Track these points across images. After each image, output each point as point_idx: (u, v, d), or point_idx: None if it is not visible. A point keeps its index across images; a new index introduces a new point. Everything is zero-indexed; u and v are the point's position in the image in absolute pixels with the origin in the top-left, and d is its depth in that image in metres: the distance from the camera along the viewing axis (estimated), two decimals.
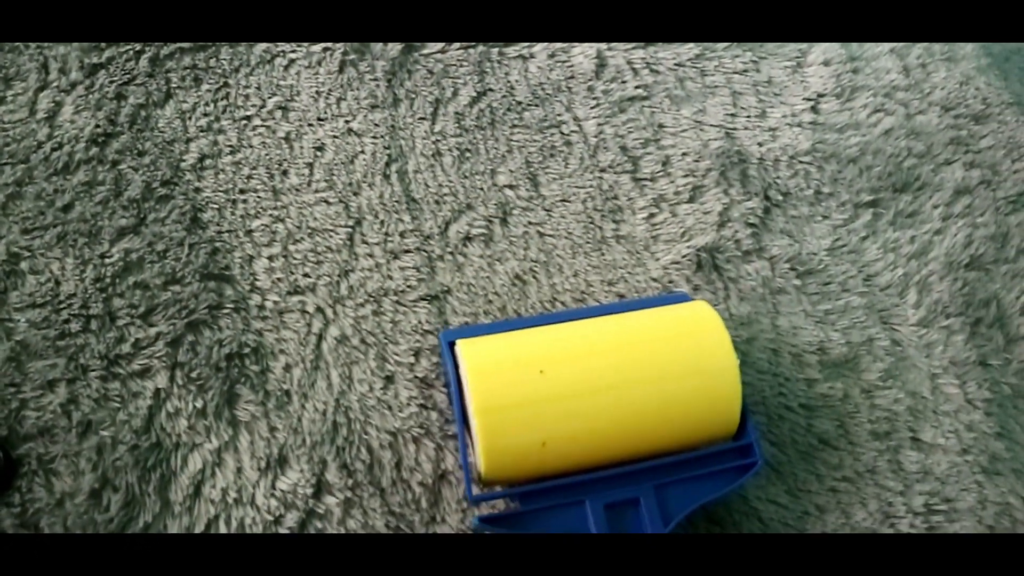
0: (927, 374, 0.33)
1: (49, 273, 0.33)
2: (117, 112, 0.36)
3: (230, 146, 0.36)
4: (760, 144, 0.38)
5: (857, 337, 0.34)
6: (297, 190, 0.35)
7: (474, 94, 0.38)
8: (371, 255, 0.34)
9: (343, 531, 0.29)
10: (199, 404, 0.31)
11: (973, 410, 0.32)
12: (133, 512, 0.29)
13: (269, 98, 0.37)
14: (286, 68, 0.38)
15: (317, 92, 0.37)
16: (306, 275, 0.33)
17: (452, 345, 0.29)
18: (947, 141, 0.38)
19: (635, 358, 0.28)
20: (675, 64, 0.39)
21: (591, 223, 0.35)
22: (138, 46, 0.38)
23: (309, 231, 0.34)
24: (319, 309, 0.33)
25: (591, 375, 0.27)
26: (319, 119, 0.37)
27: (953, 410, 0.32)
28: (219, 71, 0.38)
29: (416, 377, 0.32)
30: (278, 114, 0.37)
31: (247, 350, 0.32)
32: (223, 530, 0.29)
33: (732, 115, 0.38)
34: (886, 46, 0.41)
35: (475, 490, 0.28)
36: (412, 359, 0.32)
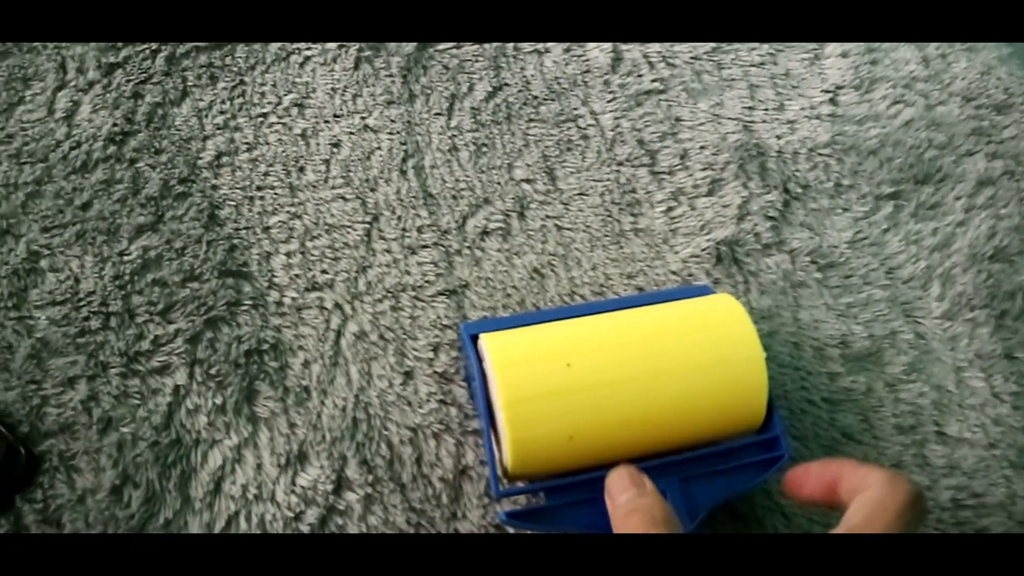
0: (952, 367, 0.33)
1: (69, 271, 0.33)
2: (134, 111, 0.36)
3: (247, 143, 0.36)
4: (779, 137, 0.37)
5: (880, 330, 0.33)
6: (314, 187, 0.35)
7: (490, 89, 0.38)
8: (389, 251, 0.34)
9: (364, 527, 0.29)
10: (218, 401, 0.31)
11: (1000, 404, 0.32)
12: (154, 508, 0.29)
13: (285, 95, 0.37)
14: (301, 65, 0.38)
15: (333, 89, 0.37)
16: (324, 271, 0.33)
17: (474, 339, 0.28)
18: (969, 132, 0.38)
19: (661, 350, 0.27)
20: (691, 57, 0.39)
21: (609, 216, 0.35)
22: (154, 45, 0.38)
23: (326, 227, 0.34)
24: (337, 305, 0.33)
25: (617, 367, 0.27)
26: (335, 116, 0.37)
27: (979, 404, 0.32)
28: (235, 69, 0.38)
29: (435, 372, 0.32)
30: (294, 111, 0.37)
31: (266, 346, 0.32)
32: (243, 526, 0.29)
33: (750, 108, 0.38)
34: None
35: (501, 485, 0.27)
36: (431, 354, 0.32)
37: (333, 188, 0.35)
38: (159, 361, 0.31)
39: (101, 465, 0.30)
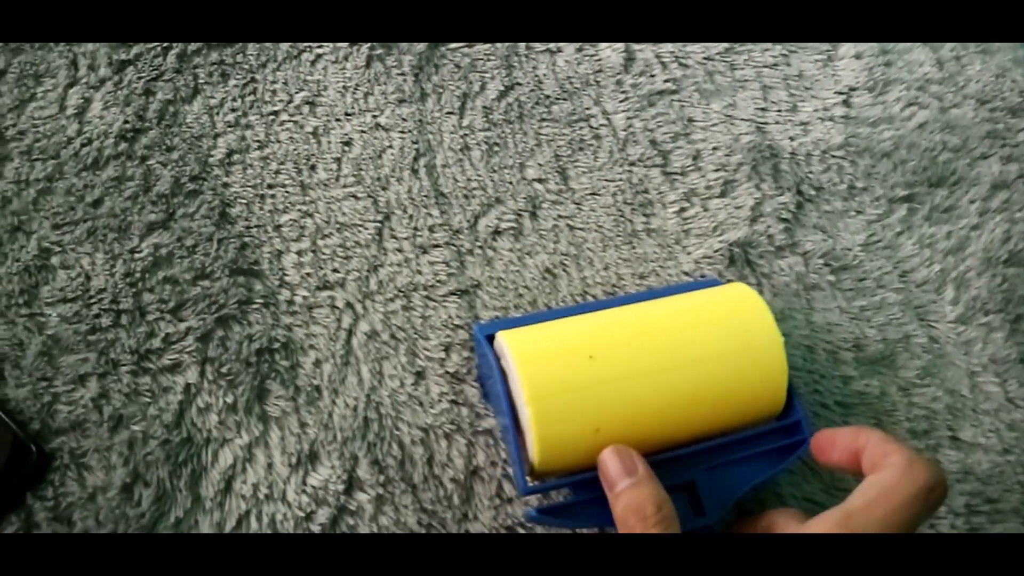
0: (966, 372, 0.32)
1: (80, 268, 0.33)
2: (145, 108, 0.36)
3: (258, 141, 0.36)
4: (792, 138, 0.37)
5: (893, 334, 0.33)
6: (325, 185, 0.35)
7: (502, 88, 0.37)
8: (400, 250, 0.34)
9: (375, 528, 0.29)
10: (229, 399, 0.31)
11: (1014, 409, 0.32)
12: (164, 507, 0.29)
13: (296, 93, 0.37)
14: (313, 63, 0.38)
15: (344, 87, 0.37)
16: (335, 270, 0.33)
17: (490, 339, 0.28)
18: (983, 135, 0.38)
19: (681, 340, 0.27)
20: (704, 58, 0.39)
21: (621, 216, 0.35)
22: (166, 42, 0.38)
23: (338, 226, 0.34)
24: (349, 304, 0.33)
25: (639, 359, 0.27)
26: (346, 114, 0.37)
27: (994, 409, 0.32)
28: (246, 67, 0.38)
29: (447, 372, 0.31)
30: (305, 109, 0.37)
31: (277, 345, 0.32)
32: (254, 526, 0.29)
33: (763, 109, 0.38)
34: None
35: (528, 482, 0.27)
36: (443, 354, 0.32)
37: (344, 187, 0.35)
38: (170, 359, 0.31)
39: (112, 463, 0.29)
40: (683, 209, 0.35)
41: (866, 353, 0.33)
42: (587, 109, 0.37)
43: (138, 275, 0.33)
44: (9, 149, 0.35)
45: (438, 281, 0.33)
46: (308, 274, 0.33)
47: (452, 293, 0.33)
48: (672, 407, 0.27)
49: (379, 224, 0.34)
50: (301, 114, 0.37)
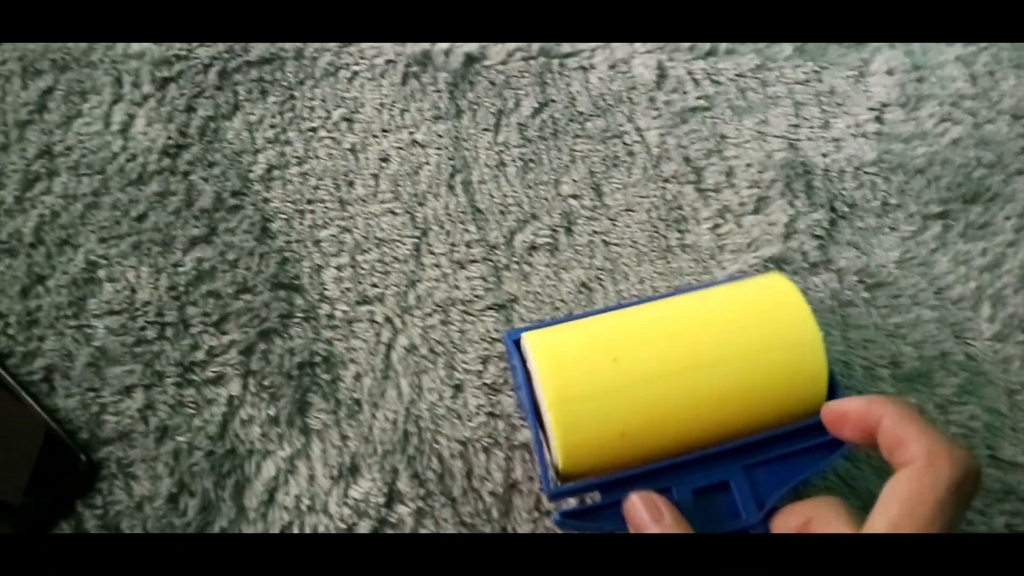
0: (1004, 390, 0.32)
1: (125, 281, 0.34)
2: (188, 124, 0.37)
3: (297, 157, 0.37)
4: (824, 155, 0.37)
5: (930, 351, 0.33)
6: (363, 201, 0.36)
7: (536, 105, 0.38)
8: (438, 265, 0.34)
9: None
10: (272, 412, 0.31)
11: None
12: (210, 517, 0.30)
13: (334, 110, 0.38)
14: (350, 80, 0.39)
15: (381, 104, 0.38)
16: (374, 285, 0.34)
17: (518, 344, 0.28)
18: (1018, 150, 0.38)
19: (712, 337, 0.26)
20: (736, 75, 0.39)
21: (656, 232, 0.35)
22: (207, 60, 0.39)
23: (376, 241, 0.35)
24: (388, 319, 0.33)
25: (668, 358, 0.26)
26: (383, 130, 0.37)
27: None
28: (285, 83, 0.38)
29: (485, 384, 0.32)
30: (343, 126, 0.37)
31: (318, 359, 0.32)
32: None
33: (795, 126, 0.38)
34: (951, 54, 0.40)
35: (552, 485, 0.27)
36: (480, 367, 0.32)
37: (382, 202, 0.36)
38: (213, 371, 0.32)
39: (158, 473, 0.30)
40: (717, 225, 0.36)
41: (903, 370, 0.33)
42: (620, 126, 0.38)
43: (182, 288, 0.33)
44: (57, 164, 0.36)
45: (475, 296, 0.34)
46: (347, 289, 0.34)
47: (489, 307, 0.33)
48: (702, 408, 0.26)
49: (417, 240, 0.35)
50: (339, 130, 0.37)
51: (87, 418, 0.31)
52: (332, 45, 0.39)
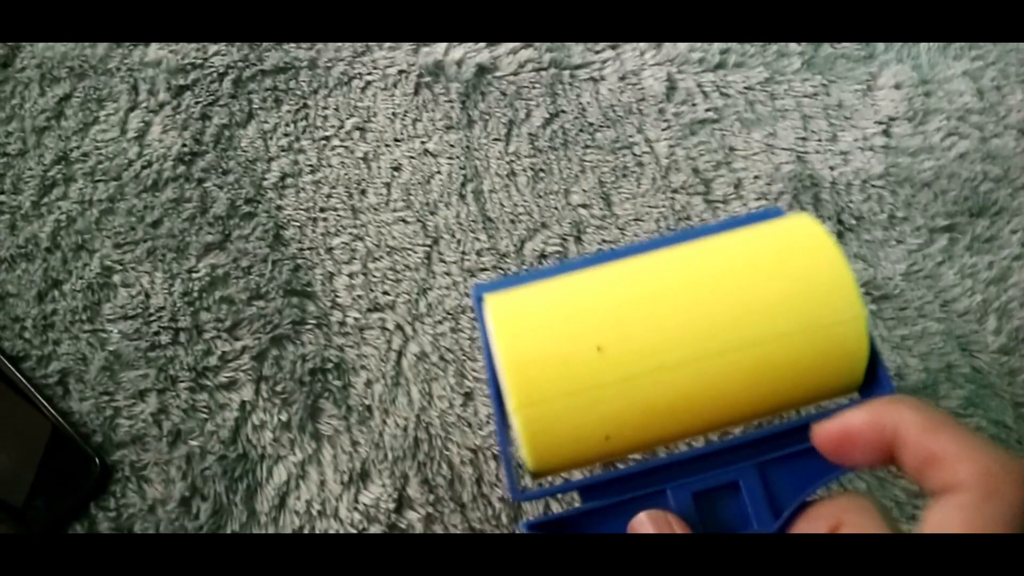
0: (1010, 403, 0.33)
1: (140, 286, 0.34)
2: (202, 132, 0.38)
3: (310, 165, 0.37)
4: (832, 168, 0.38)
5: (936, 363, 0.33)
6: (375, 209, 0.36)
7: (547, 115, 0.38)
8: (448, 273, 0.35)
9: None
10: (284, 417, 0.31)
11: None
12: (221, 521, 0.30)
13: (347, 119, 0.38)
14: (363, 90, 0.39)
15: (393, 113, 0.38)
16: (385, 293, 0.34)
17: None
18: None
19: (724, 316, 0.20)
20: (745, 87, 0.39)
21: None
22: (222, 68, 0.39)
23: (388, 250, 0.35)
24: (399, 326, 0.33)
25: (665, 346, 0.20)
26: (396, 140, 0.38)
27: None
28: (298, 92, 0.39)
29: None
30: (356, 135, 0.38)
31: (329, 365, 0.33)
32: None
33: (803, 139, 0.38)
34: (958, 68, 0.40)
35: (530, 483, 0.23)
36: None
37: (394, 211, 0.36)
38: (226, 377, 0.32)
39: (171, 477, 0.30)
40: None
41: (908, 382, 0.33)
42: (630, 137, 0.38)
43: (196, 294, 0.34)
44: (74, 170, 0.36)
45: None
46: (359, 296, 0.34)
47: None
48: (708, 403, 0.20)
49: (428, 248, 0.35)
50: (352, 139, 0.38)
51: (101, 421, 0.31)
52: (345, 55, 0.39)
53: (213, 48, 0.39)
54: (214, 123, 0.38)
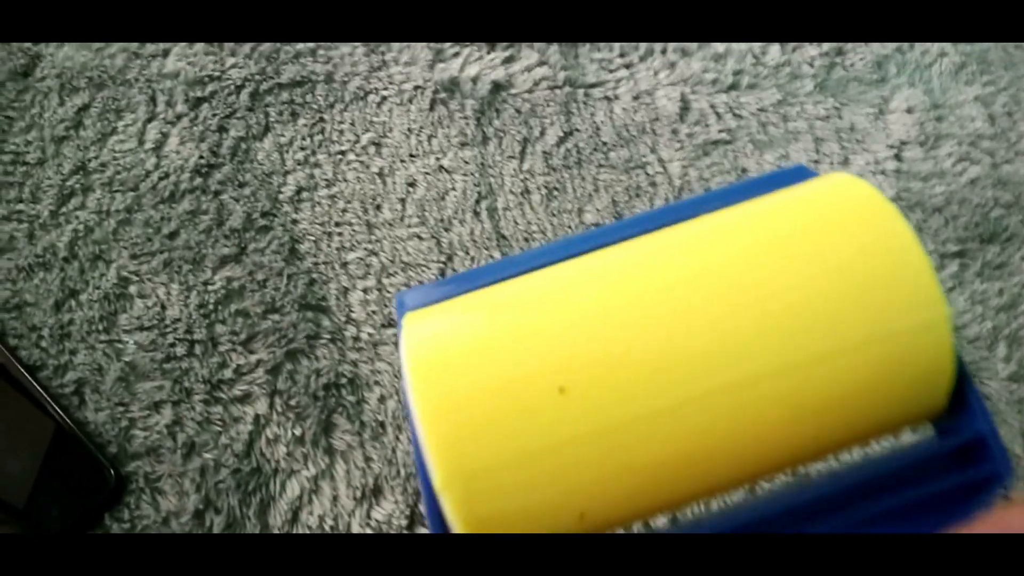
0: (1019, 431, 0.33)
1: (156, 298, 0.34)
2: (219, 144, 0.38)
3: (326, 180, 0.37)
4: None
5: None
6: (390, 225, 0.36)
7: (561, 134, 0.39)
8: None
9: None
10: (297, 432, 0.32)
11: None
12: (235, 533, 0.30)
13: (363, 134, 0.39)
14: (379, 105, 0.39)
15: (409, 129, 0.39)
16: None
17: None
18: None
19: (750, 324, 0.14)
20: (758, 109, 0.40)
21: None
22: (239, 81, 0.40)
23: (402, 265, 0.35)
24: None
25: (664, 378, 0.13)
26: (411, 155, 0.38)
27: None
28: (315, 106, 0.39)
29: None
30: (371, 150, 0.38)
31: (343, 380, 0.33)
32: None
33: (815, 161, 0.39)
34: (970, 94, 0.41)
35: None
36: None
37: (409, 227, 0.36)
38: (241, 390, 0.33)
39: (185, 489, 0.31)
40: None
41: None
42: (643, 157, 0.38)
43: (211, 307, 0.34)
44: (92, 180, 0.37)
45: None
46: (373, 312, 0.34)
47: None
48: (724, 455, 0.14)
49: (442, 265, 0.35)
50: (367, 154, 0.38)
51: (116, 432, 0.32)
52: (362, 69, 0.40)
53: (231, 60, 0.40)
54: (231, 135, 0.38)
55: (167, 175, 0.37)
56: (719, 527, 0.15)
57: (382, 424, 0.32)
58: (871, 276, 0.14)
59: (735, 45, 0.41)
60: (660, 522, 0.21)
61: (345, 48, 0.40)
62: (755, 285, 0.14)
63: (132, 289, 0.34)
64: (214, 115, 0.39)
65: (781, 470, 0.15)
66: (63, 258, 0.35)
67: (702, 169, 0.38)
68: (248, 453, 0.31)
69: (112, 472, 0.31)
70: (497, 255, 0.36)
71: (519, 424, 0.14)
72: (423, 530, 0.30)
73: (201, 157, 0.38)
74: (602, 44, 0.40)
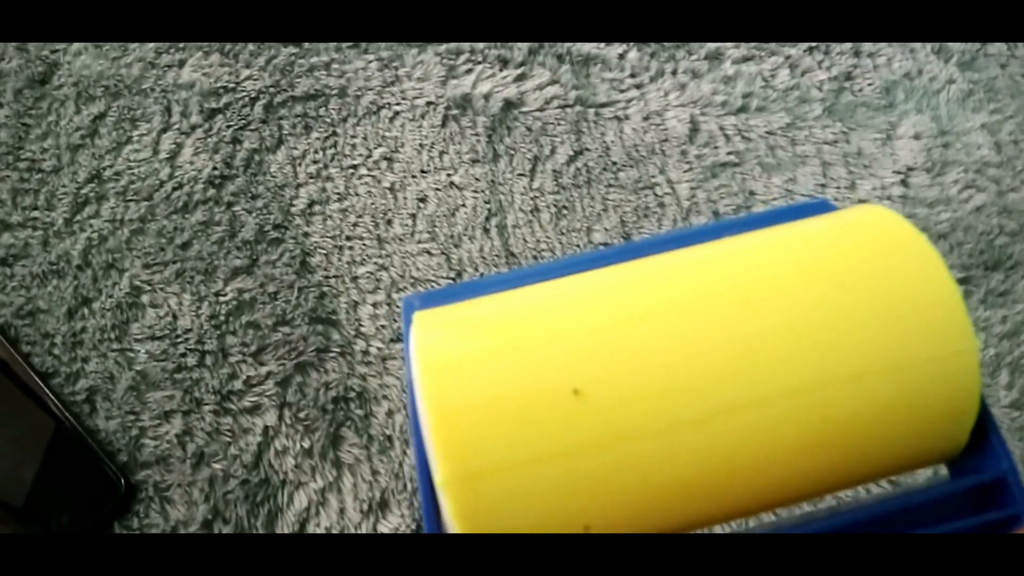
0: (1020, 458, 0.33)
1: (167, 307, 0.35)
2: (233, 156, 0.38)
3: (338, 193, 0.38)
4: None
5: None
6: (401, 240, 0.37)
7: (571, 153, 0.39)
8: None
9: None
10: (306, 444, 0.32)
11: None
12: None
13: (375, 148, 0.39)
14: (391, 120, 0.40)
15: (420, 145, 0.39)
16: None
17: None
18: None
19: (774, 343, 0.14)
20: (766, 132, 0.40)
21: None
22: (253, 93, 0.40)
23: (412, 280, 0.36)
24: None
25: (684, 389, 0.13)
26: (422, 171, 0.39)
27: None
28: (328, 120, 0.40)
29: None
30: (383, 164, 0.39)
31: (352, 394, 0.33)
32: None
33: (822, 185, 0.39)
34: (977, 121, 0.41)
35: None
36: None
37: (419, 242, 0.37)
38: (250, 401, 0.33)
39: (193, 499, 0.31)
40: None
41: None
42: (652, 177, 0.39)
43: (222, 318, 0.35)
44: (106, 189, 0.37)
45: None
46: (383, 326, 0.35)
47: None
48: (741, 477, 0.14)
49: (452, 281, 0.36)
50: (379, 169, 0.39)
51: (127, 441, 0.32)
52: (375, 84, 0.40)
53: (245, 72, 0.40)
54: (244, 147, 0.39)
55: (181, 185, 0.37)
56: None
57: (389, 438, 0.32)
58: (899, 303, 0.14)
59: (745, 67, 0.41)
60: None
61: (359, 62, 0.40)
62: (780, 303, 0.14)
63: (144, 298, 0.35)
64: (228, 127, 0.39)
65: (794, 498, 0.15)
66: (76, 266, 0.35)
67: (710, 191, 0.39)
68: (257, 464, 0.32)
69: (122, 480, 0.31)
70: (506, 272, 0.36)
71: (527, 426, 0.13)
72: None
73: (215, 168, 0.38)
74: (613, 64, 0.41)
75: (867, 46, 0.42)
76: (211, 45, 0.40)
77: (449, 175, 0.39)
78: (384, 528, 0.31)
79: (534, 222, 0.38)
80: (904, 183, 0.39)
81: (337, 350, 0.34)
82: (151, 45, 0.40)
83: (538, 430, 0.13)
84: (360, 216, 0.37)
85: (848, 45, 0.42)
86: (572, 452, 0.13)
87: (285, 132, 0.39)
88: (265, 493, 0.31)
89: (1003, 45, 0.42)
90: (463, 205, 0.38)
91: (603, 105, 0.40)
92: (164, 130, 0.39)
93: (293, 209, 0.37)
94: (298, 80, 0.40)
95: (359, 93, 0.40)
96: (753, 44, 0.41)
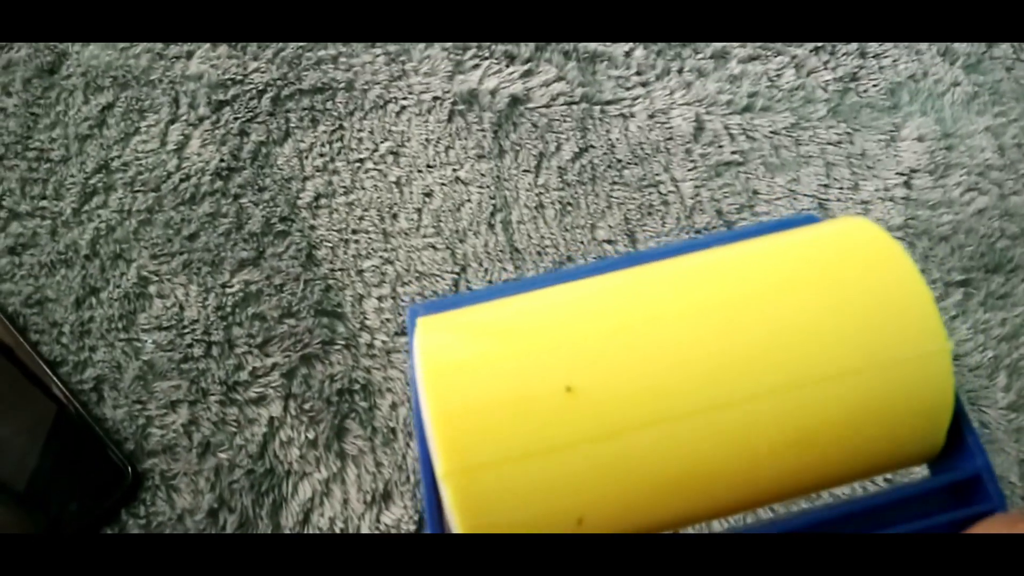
0: (1016, 459, 0.33)
1: (175, 298, 0.35)
2: (240, 148, 0.39)
3: (344, 187, 0.38)
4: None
5: None
6: (406, 234, 0.37)
7: (576, 150, 0.39)
8: None
9: None
10: (311, 435, 0.33)
11: None
12: (247, 533, 0.31)
13: (381, 143, 0.39)
14: (398, 114, 0.40)
15: (427, 139, 0.39)
16: None
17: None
18: None
19: (756, 343, 0.14)
20: (771, 132, 0.40)
21: None
22: (261, 85, 0.40)
23: (417, 274, 0.36)
24: None
25: (671, 386, 0.14)
26: (428, 166, 0.39)
27: None
28: (335, 113, 0.40)
29: None
30: (389, 159, 0.39)
31: (356, 386, 0.34)
32: None
33: (825, 186, 0.39)
34: (981, 124, 0.41)
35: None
36: None
37: (424, 236, 0.37)
38: (256, 392, 0.33)
39: (199, 488, 0.32)
40: None
41: None
42: (657, 175, 0.39)
43: (229, 309, 0.35)
44: (114, 180, 0.37)
45: None
46: (387, 319, 0.35)
47: None
48: (725, 473, 0.15)
49: (456, 275, 0.36)
50: (385, 163, 0.39)
51: (134, 430, 0.32)
52: (382, 78, 0.40)
53: (253, 65, 0.40)
54: (252, 139, 0.39)
55: (188, 177, 0.38)
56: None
57: (393, 430, 0.33)
58: (873, 307, 0.15)
59: (750, 67, 0.41)
60: None
61: (366, 56, 0.41)
62: (761, 307, 0.15)
63: (151, 289, 0.35)
64: (236, 118, 0.39)
65: (781, 493, 0.16)
66: (85, 256, 0.36)
67: (714, 190, 0.39)
68: (262, 454, 0.32)
69: (129, 468, 0.31)
70: (510, 268, 0.37)
71: (523, 421, 0.14)
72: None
73: (222, 160, 0.38)
74: (620, 62, 0.41)
75: (873, 47, 0.42)
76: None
77: (455, 170, 0.39)
78: (387, 519, 0.31)
79: (538, 218, 0.38)
80: (907, 185, 0.40)
81: (342, 343, 0.34)
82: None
83: (533, 426, 0.14)
84: (366, 210, 0.38)
85: (854, 46, 0.42)
86: (564, 446, 0.14)
87: (292, 125, 0.39)
88: (270, 483, 0.32)
89: (1009, 48, 0.42)
90: (468, 200, 0.38)
91: (609, 102, 0.41)
92: (172, 121, 0.39)
93: (299, 202, 0.38)
94: (305, 73, 0.40)
95: (366, 87, 0.40)
96: (759, 44, 0.42)
